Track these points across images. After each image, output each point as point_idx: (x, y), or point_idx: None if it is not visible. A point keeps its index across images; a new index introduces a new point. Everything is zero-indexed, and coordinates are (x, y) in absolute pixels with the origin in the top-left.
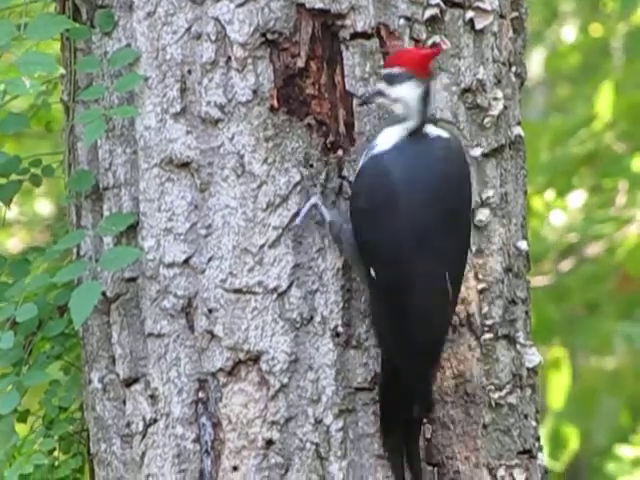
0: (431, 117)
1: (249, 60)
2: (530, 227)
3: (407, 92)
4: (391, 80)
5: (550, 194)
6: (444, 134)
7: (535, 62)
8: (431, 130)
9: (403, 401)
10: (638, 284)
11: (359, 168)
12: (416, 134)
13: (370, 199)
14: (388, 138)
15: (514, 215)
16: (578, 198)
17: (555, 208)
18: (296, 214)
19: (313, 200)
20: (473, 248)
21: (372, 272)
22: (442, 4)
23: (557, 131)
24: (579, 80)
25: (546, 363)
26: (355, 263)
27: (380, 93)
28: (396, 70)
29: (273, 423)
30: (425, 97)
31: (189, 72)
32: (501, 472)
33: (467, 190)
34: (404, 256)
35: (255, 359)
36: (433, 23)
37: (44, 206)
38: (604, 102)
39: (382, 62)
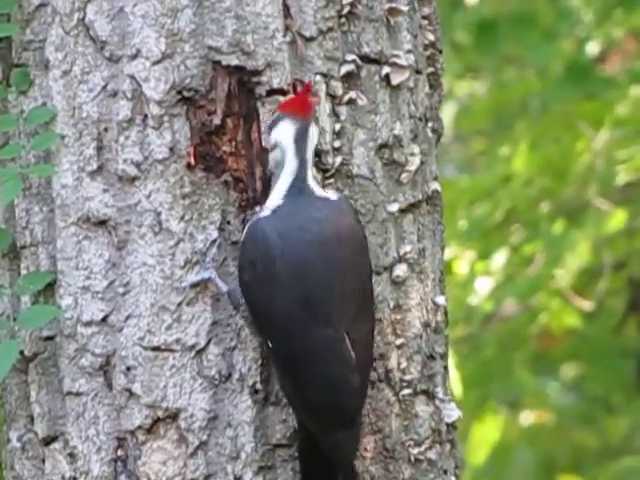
0: (315, 176)
1: (165, 118)
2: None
3: (281, 132)
4: (270, 126)
5: (470, 256)
6: (333, 196)
7: (447, 117)
8: (319, 192)
9: (321, 461)
10: (558, 341)
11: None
12: (301, 193)
13: (251, 270)
14: (272, 200)
15: (432, 270)
16: (499, 258)
17: (477, 273)
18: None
19: (206, 274)
20: (391, 303)
21: (269, 343)
22: (358, 60)
23: (474, 190)
24: (494, 135)
25: (474, 419)
26: (254, 332)
27: (270, 148)
28: (274, 115)
29: None
30: (301, 136)
31: (105, 130)
32: None
33: (360, 252)
34: (295, 326)
35: (174, 417)
36: (349, 79)
37: None
38: (521, 161)
39: None
